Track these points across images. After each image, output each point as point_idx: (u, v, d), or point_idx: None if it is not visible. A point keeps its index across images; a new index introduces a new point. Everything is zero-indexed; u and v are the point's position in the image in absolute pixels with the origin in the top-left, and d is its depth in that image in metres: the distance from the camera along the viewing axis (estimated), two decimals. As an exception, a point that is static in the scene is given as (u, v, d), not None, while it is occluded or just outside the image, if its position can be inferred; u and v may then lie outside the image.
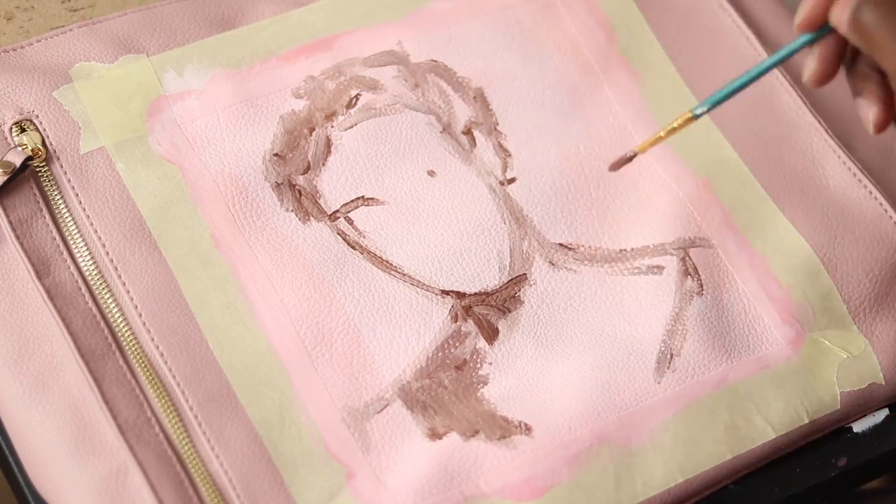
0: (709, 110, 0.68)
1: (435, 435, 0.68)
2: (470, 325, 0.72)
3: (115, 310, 0.69)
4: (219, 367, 0.68)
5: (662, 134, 0.69)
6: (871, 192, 0.77)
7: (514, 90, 0.79)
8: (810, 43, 0.64)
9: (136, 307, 0.69)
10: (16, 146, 0.72)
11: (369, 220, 0.74)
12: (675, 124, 0.69)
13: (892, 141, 0.81)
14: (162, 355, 0.68)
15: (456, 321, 0.72)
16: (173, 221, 0.72)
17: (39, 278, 0.69)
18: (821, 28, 0.64)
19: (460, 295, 0.72)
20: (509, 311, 0.72)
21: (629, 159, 0.71)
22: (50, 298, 0.69)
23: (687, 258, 0.75)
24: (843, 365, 0.73)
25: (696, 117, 0.68)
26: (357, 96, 0.77)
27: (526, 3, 0.81)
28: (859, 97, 0.63)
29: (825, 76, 0.65)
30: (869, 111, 0.63)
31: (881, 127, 0.63)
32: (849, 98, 0.67)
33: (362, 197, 0.74)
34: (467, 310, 0.72)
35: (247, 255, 0.71)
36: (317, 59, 0.78)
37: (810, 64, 0.65)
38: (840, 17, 0.62)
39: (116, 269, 0.70)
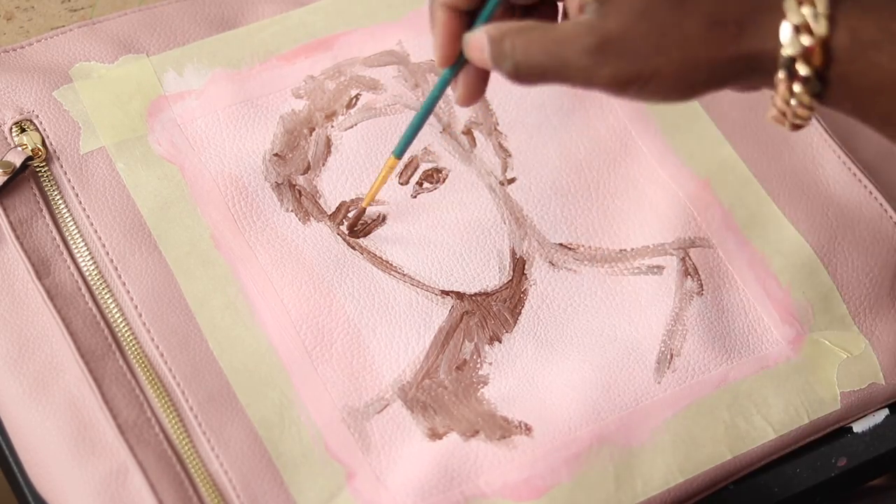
0: (404, 149, 0.69)
1: (435, 435, 0.68)
2: (470, 326, 0.72)
3: (115, 310, 0.69)
4: (219, 367, 0.68)
5: (377, 185, 0.71)
6: (871, 192, 0.77)
7: (514, 90, 0.78)
8: (455, 73, 0.64)
9: (136, 307, 0.69)
10: (16, 146, 0.72)
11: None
12: (383, 173, 0.71)
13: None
14: (162, 355, 0.68)
15: (456, 321, 0.72)
16: (173, 221, 0.72)
17: (39, 278, 0.69)
18: (458, 61, 0.64)
19: (460, 295, 0.72)
20: (509, 312, 0.72)
21: (362, 213, 0.73)
22: (50, 298, 0.69)
23: (687, 258, 0.75)
24: (843, 365, 0.73)
25: (398, 158, 0.70)
26: (357, 96, 0.77)
27: (526, 3, 0.81)
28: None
29: (472, 99, 0.65)
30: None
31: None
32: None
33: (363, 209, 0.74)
34: (467, 310, 0.72)
35: (247, 255, 0.71)
36: (317, 59, 0.78)
37: (456, 90, 0.65)
38: (483, 65, 0.62)
39: (116, 269, 0.70)
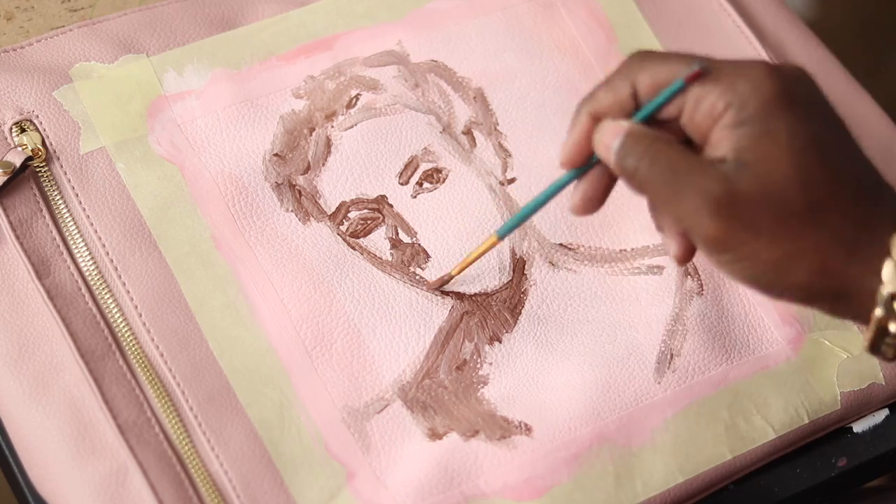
0: (509, 231, 0.69)
1: (435, 435, 0.68)
2: (470, 326, 0.72)
3: (115, 310, 0.69)
4: (219, 367, 0.68)
5: (474, 256, 0.71)
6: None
7: (514, 90, 0.79)
8: (579, 176, 0.63)
9: (136, 307, 0.69)
10: (16, 146, 0.72)
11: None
12: (484, 247, 0.70)
13: (892, 141, 0.81)
14: (162, 355, 0.68)
15: (456, 321, 0.72)
16: (173, 221, 0.72)
17: (39, 278, 0.69)
18: (585, 164, 0.62)
19: (460, 295, 0.72)
20: (509, 312, 0.72)
21: (449, 279, 0.72)
22: (50, 298, 0.69)
23: (687, 258, 0.75)
24: (843, 365, 0.73)
25: (500, 239, 0.69)
26: (357, 96, 0.77)
27: (526, 2, 0.81)
28: (661, 232, 0.62)
29: (586, 210, 0.63)
30: (670, 247, 0.62)
31: (683, 259, 0.62)
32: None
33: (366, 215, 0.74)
34: (467, 310, 0.72)
35: (247, 255, 0.71)
36: (317, 59, 0.78)
37: (574, 196, 0.63)
38: (605, 155, 0.60)
39: (116, 269, 0.70)
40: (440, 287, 0.72)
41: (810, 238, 0.57)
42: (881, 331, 0.57)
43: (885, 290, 0.56)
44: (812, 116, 0.58)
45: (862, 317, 0.58)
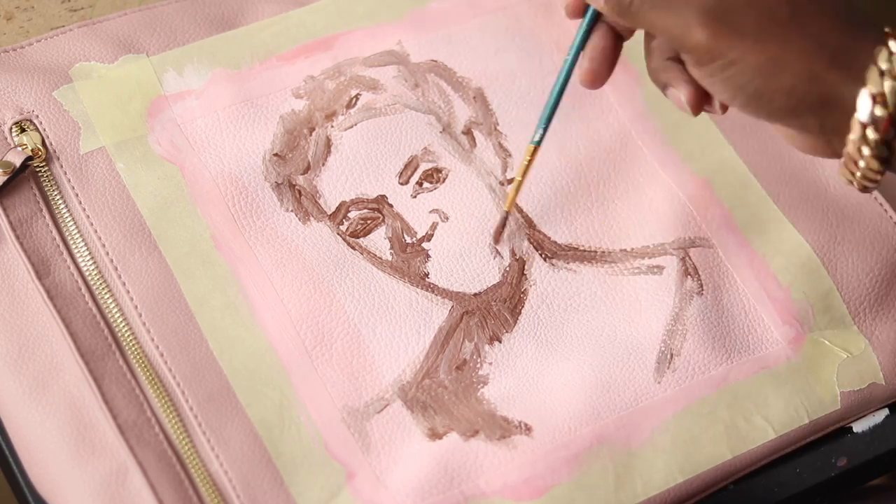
0: (544, 132, 0.71)
1: (435, 435, 0.68)
2: (470, 326, 0.72)
3: (115, 310, 0.69)
4: (219, 367, 0.68)
5: (520, 178, 0.72)
6: (871, 193, 0.77)
7: (514, 90, 0.79)
8: (582, 45, 0.66)
9: (136, 307, 0.69)
10: (16, 146, 0.72)
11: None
12: (525, 160, 0.72)
13: (892, 141, 0.81)
14: (162, 355, 0.68)
15: (456, 321, 0.72)
16: (173, 221, 0.72)
17: (39, 278, 0.69)
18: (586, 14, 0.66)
19: (460, 295, 0.72)
20: (509, 312, 0.72)
21: (504, 222, 0.74)
22: (50, 298, 0.69)
23: (687, 258, 0.75)
24: (843, 365, 0.73)
25: (538, 144, 0.71)
26: (357, 96, 0.77)
27: (525, 2, 0.81)
28: (668, 89, 0.65)
29: (596, 76, 0.67)
30: (680, 95, 0.64)
31: (698, 106, 0.64)
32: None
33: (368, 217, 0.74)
34: (467, 310, 0.72)
35: (247, 255, 0.71)
36: (317, 58, 0.78)
37: (582, 63, 0.67)
38: (596, 2, 0.64)
39: (116, 269, 0.70)
40: (500, 235, 0.74)
41: (794, 42, 0.59)
42: (862, 139, 0.59)
43: (859, 116, 0.58)
44: None
45: (843, 128, 0.59)
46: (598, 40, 0.67)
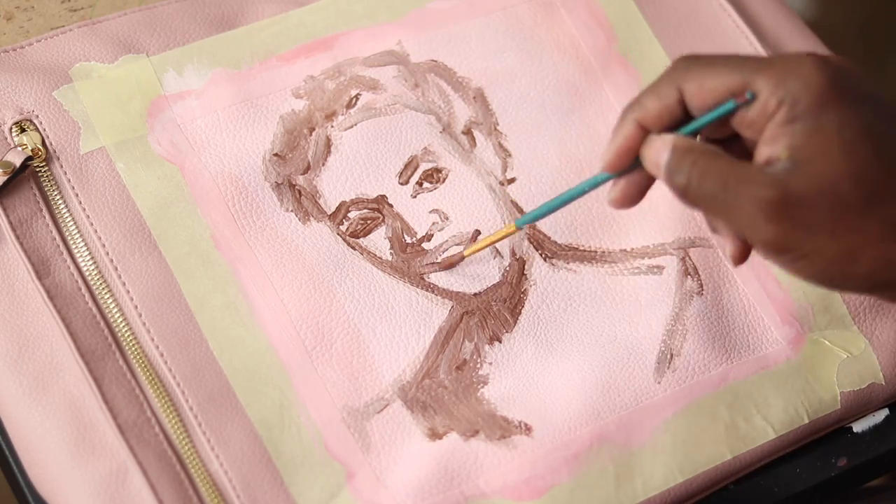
0: (529, 221, 0.70)
1: (435, 435, 0.68)
2: (470, 326, 0.72)
3: (115, 310, 0.69)
4: (219, 367, 0.68)
5: (488, 241, 0.72)
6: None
7: (514, 90, 0.79)
8: (618, 177, 0.63)
9: (136, 307, 0.69)
10: (16, 146, 0.72)
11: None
12: (501, 233, 0.71)
13: None
14: (162, 355, 0.68)
15: (456, 321, 0.72)
16: (173, 221, 0.72)
17: (39, 278, 0.69)
18: (626, 168, 0.63)
19: (460, 295, 0.72)
20: (509, 312, 0.72)
21: (455, 263, 0.73)
22: (50, 298, 0.69)
23: (687, 258, 0.75)
24: (843, 365, 0.73)
25: (520, 227, 0.70)
26: (357, 96, 0.77)
27: (526, 2, 0.81)
28: (715, 233, 0.63)
29: (625, 204, 0.64)
30: (726, 248, 0.62)
31: (739, 260, 0.62)
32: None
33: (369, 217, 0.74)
34: (467, 310, 0.72)
35: (247, 255, 0.71)
36: (317, 58, 0.78)
37: (612, 191, 0.63)
38: (655, 171, 0.61)
39: (116, 269, 0.70)
40: (448, 268, 0.72)
41: (869, 230, 0.57)
42: None
43: None
44: (863, 108, 0.58)
45: None
46: (636, 178, 0.63)
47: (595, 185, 0.64)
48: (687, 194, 0.59)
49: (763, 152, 0.59)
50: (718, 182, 0.58)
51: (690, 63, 0.61)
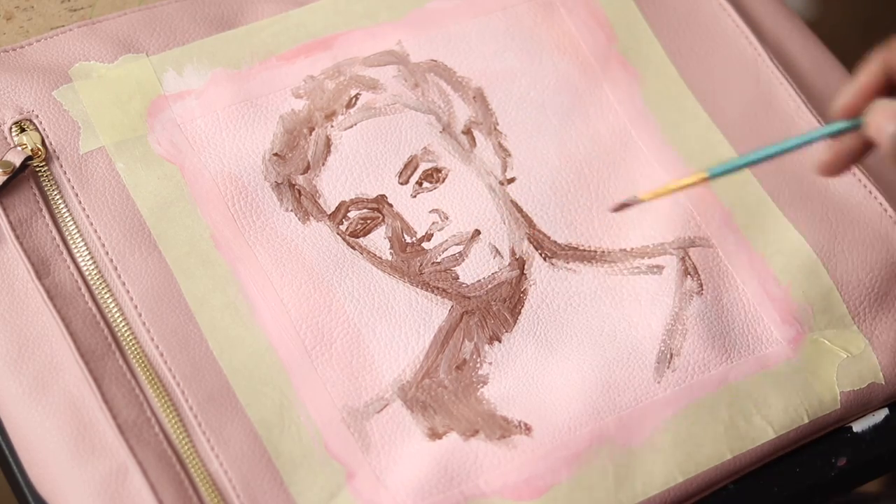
0: (723, 173, 0.66)
1: (435, 435, 0.68)
2: (470, 325, 0.72)
3: (115, 310, 0.69)
4: (219, 367, 0.68)
5: (672, 187, 0.67)
6: (871, 192, 0.77)
7: (514, 90, 0.79)
8: (836, 134, 0.61)
9: (135, 307, 0.69)
10: (16, 146, 0.72)
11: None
12: (688, 181, 0.66)
13: None
14: (162, 355, 0.68)
15: (456, 321, 0.72)
16: (173, 221, 0.72)
17: (39, 278, 0.69)
18: (851, 122, 0.61)
19: (459, 295, 0.72)
20: (509, 311, 0.72)
21: (630, 204, 0.68)
22: (50, 298, 0.69)
23: (687, 258, 0.75)
24: (843, 365, 0.73)
25: (711, 179, 0.65)
26: (357, 96, 0.77)
27: (525, 2, 0.81)
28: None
29: (833, 170, 0.62)
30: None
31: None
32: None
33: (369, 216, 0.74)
34: (467, 310, 0.72)
35: (247, 255, 0.71)
36: (317, 58, 0.78)
37: (823, 154, 0.62)
38: (877, 136, 0.59)
39: (116, 268, 0.70)
40: (621, 209, 0.69)
41: None
42: None
43: None
44: None
45: None
46: (853, 142, 0.62)
47: (808, 141, 0.62)
48: None
49: None
50: None
51: None
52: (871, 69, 0.60)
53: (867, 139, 0.61)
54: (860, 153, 0.62)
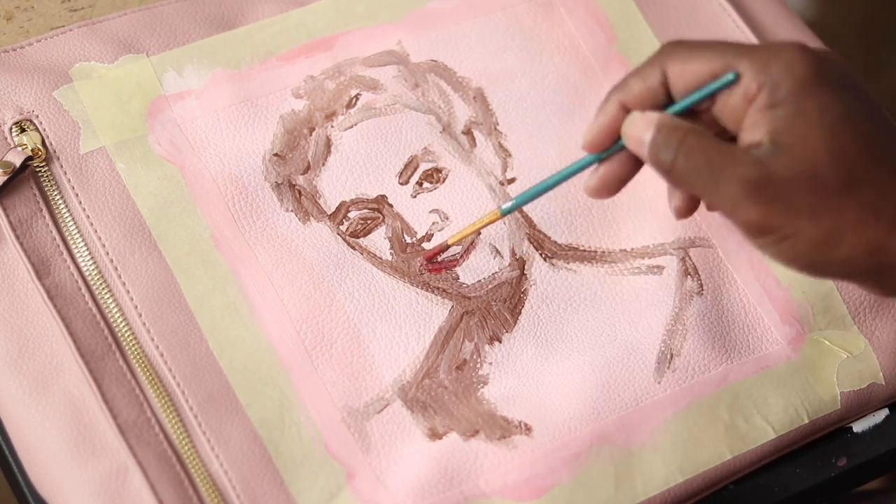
0: (513, 209, 0.69)
1: (435, 435, 0.68)
2: (470, 326, 0.72)
3: (115, 310, 0.69)
4: (219, 367, 0.68)
5: (472, 229, 0.71)
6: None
7: (514, 90, 0.79)
8: (600, 161, 0.63)
9: (136, 307, 0.69)
10: (16, 146, 0.72)
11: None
12: (484, 221, 0.70)
13: None
14: (162, 355, 0.68)
15: (456, 321, 0.72)
16: (173, 221, 0.72)
17: (39, 278, 0.69)
18: (608, 148, 0.63)
19: (460, 295, 0.72)
20: (509, 311, 0.72)
21: (444, 248, 0.72)
22: (50, 298, 0.69)
23: (687, 258, 0.75)
24: (843, 365, 0.73)
25: (504, 214, 0.69)
26: (357, 96, 0.77)
27: (525, 2, 0.81)
28: (669, 190, 0.63)
29: (601, 193, 0.64)
30: (672, 199, 0.63)
31: (682, 214, 0.63)
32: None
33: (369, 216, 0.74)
34: (467, 310, 0.72)
35: (247, 255, 0.71)
36: (317, 58, 0.78)
37: (591, 178, 0.64)
38: (637, 148, 0.61)
39: (116, 269, 0.70)
40: (433, 257, 0.72)
41: (850, 214, 0.57)
42: None
43: None
44: (844, 95, 0.58)
45: None
46: (616, 165, 0.63)
47: (579, 169, 0.65)
48: (672, 172, 0.59)
49: (745, 138, 0.59)
50: (703, 160, 0.58)
51: (676, 47, 0.61)
52: (608, 109, 0.62)
53: (631, 156, 0.62)
54: (625, 174, 0.63)
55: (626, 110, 0.62)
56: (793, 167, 0.57)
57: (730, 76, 0.59)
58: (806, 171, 0.57)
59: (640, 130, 0.60)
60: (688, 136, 0.59)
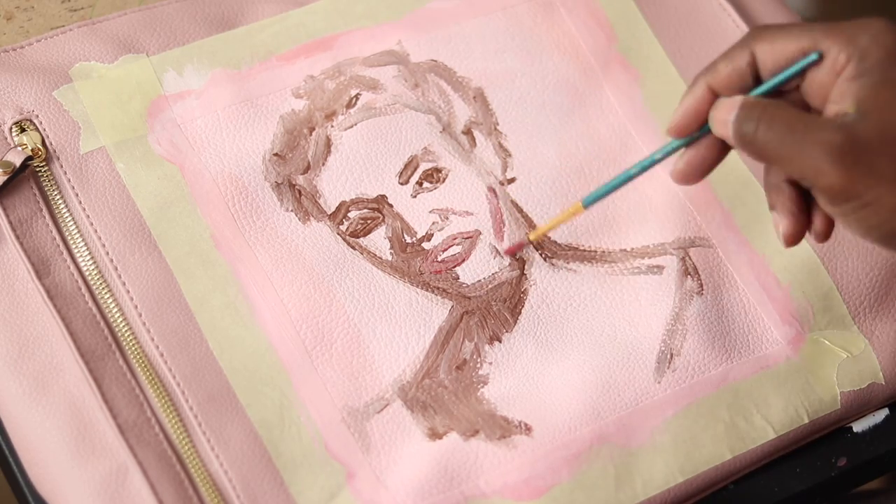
0: (596, 199, 0.69)
1: (435, 435, 0.68)
2: (470, 325, 0.72)
3: (115, 310, 0.69)
4: (219, 367, 0.68)
5: (553, 224, 0.72)
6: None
7: (514, 90, 0.79)
8: (688, 144, 0.64)
9: (136, 307, 0.69)
10: (16, 146, 0.72)
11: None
12: (567, 214, 0.71)
13: None
14: (162, 355, 0.68)
15: (456, 321, 0.72)
16: (173, 221, 0.72)
17: (39, 278, 0.69)
18: (694, 133, 0.64)
19: (460, 295, 0.72)
20: (509, 312, 0.72)
21: (523, 246, 0.73)
22: (50, 298, 0.69)
23: (687, 258, 0.75)
24: (843, 365, 0.73)
25: (587, 206, 0.69)
26: (357, 96, 0.77)
27: (526, 2, 0.81)
28: (773, 210, 0.64)
29: (689, 179, 0.65)
30: (779, 224, 0.63)
31: (791, 240, 0.63)
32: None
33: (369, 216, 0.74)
34: (467, 310, 0.72)
35: (247, 255, 0.71)
36: (317, 58, 0.78)
37: (678, 162, 0.65)
38: (723, 130, 0.62)
39: (116, 269, 0.70)
40: (515, 253, 0.73)
41: None
42: None
43: None
44: None
45: None
46: (703, 150, 0.64)
47: (665, 155, 0.65)
48: (755, 143, 0.60)
49: (831, 110, 0.60)
50: (785, 128, 0.59)
51: (764, 29, 0.63)
52: (696, 91, 0.64)
53: (717, 141, 0.64)
54: (711, 159, 0.64)
55: (713, 94, 0.63)
56: (878, 132, 0.58)
57: (814, 56, 0.61)
58: (890, 136, 0.58)
59: (726, 113, 0.62)
60: (769, 107, 0.60)
